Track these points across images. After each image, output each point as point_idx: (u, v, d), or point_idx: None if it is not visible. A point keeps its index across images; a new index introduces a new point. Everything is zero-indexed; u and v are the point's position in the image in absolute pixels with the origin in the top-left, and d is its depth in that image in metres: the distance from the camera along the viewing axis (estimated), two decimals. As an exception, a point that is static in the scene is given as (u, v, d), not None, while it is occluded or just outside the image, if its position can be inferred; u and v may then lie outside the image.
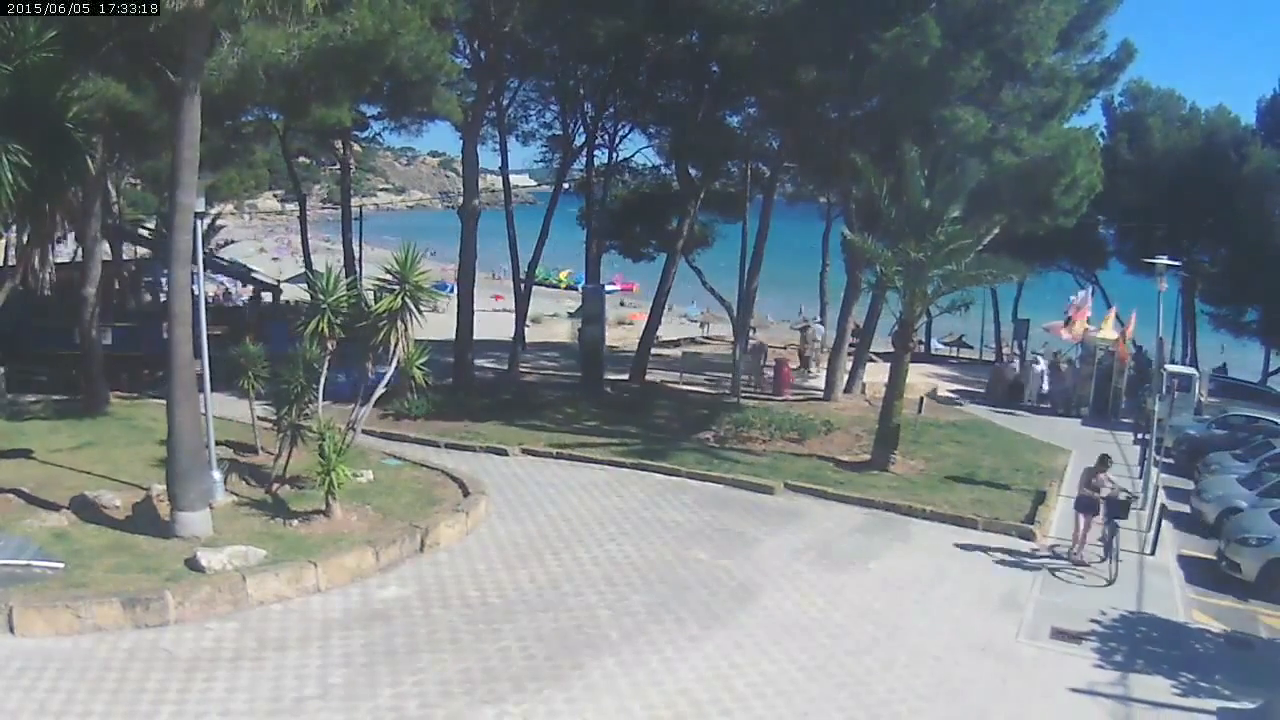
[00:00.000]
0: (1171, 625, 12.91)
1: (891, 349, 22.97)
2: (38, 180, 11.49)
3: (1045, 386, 29.30)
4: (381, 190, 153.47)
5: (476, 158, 27.76)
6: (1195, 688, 10.89)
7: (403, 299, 14.47)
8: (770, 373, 28.83)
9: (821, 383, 27.99)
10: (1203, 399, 27.64)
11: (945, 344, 44.73)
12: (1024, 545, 15.56)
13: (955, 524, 16.27)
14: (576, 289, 52.29)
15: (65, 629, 10.26)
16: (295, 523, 13.47)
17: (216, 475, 14.14)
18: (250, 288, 38.43)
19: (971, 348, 44.79)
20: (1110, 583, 13.97)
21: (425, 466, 17.19)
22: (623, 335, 39.00)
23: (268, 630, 10.70)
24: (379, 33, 18.88)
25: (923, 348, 39.91)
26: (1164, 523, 16.28)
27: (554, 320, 46.85)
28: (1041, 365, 29.98)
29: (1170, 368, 21.30)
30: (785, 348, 39.82)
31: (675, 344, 38.41)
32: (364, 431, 16.73)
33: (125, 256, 33.16)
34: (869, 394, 26.98)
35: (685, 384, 29.13)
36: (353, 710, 9.14)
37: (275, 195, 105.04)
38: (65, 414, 20.13)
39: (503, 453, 19.44)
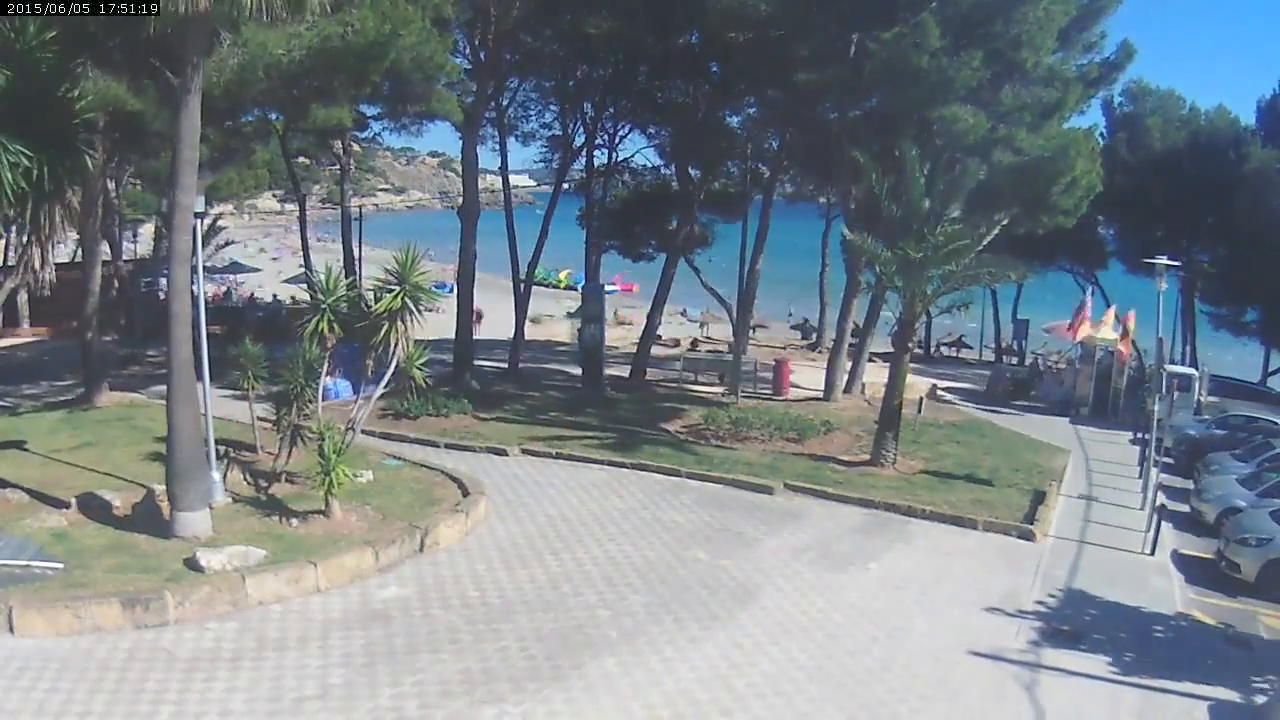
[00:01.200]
0: (1170, 625, 12.92)
1: (891, 349, 22.97)
2: (38, 180, 11.49)
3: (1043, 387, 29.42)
4: (381, 190, 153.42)
5: (476, 158, 27.80)
6: (1195, 688, 10.90)
7: (403, 299, 14.46)
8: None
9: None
10: (1202, 399, 27.66)
11: (946, 344, 44.71)
12: (1024, 545, 15.58)
13: (955, 524, 16.27)
14: (576, 289, 52.24)
15: (65, 629, 10.25)
16: (295, 523, 13.47)
17: (216, 475, 14.14)
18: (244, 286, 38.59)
19: (971, 348, 44.81)
20: None
21: (425, 466, 17.17)
22: (621, 335, 38.96)
23: (267, 630, 10.70)
24: (380, 33, 18.90)
25: (921, 349, 39.92)
26: (1163, 523, 16.29)
27: (553, 320, 46.82)
28: (1041, 366, 30.06)
29: (1170, 368, 21.30)
30: (785, 347, 39.89)
31: (675, 344, 38.44)
32: (364, 431, 16.72)
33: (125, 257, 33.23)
34: (868, 394, 27.00)
35: (684, 384, 29.14)
36: (353, 710, 9.14)
37: (274, 195, 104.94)
38: (65, 411, 20.14)
39: (502, 453, 19.44)
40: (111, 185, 27.62)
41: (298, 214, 40.79)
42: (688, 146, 28.53)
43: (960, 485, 18.40)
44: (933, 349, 43.19)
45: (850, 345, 28.19)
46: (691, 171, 29.57)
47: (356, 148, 41.43)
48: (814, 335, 42.34)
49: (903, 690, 10.26)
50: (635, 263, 36.05)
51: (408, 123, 29.14)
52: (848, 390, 27.58)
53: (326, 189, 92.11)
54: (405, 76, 21.43)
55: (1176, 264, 22.30)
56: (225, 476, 14.70)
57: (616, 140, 32.30)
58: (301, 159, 44.94)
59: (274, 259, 70.93)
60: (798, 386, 28.27)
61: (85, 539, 12.38)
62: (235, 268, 47.58)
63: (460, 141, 27.66)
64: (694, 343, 37.40)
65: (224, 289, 47.74)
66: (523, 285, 31.14)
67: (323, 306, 14.62)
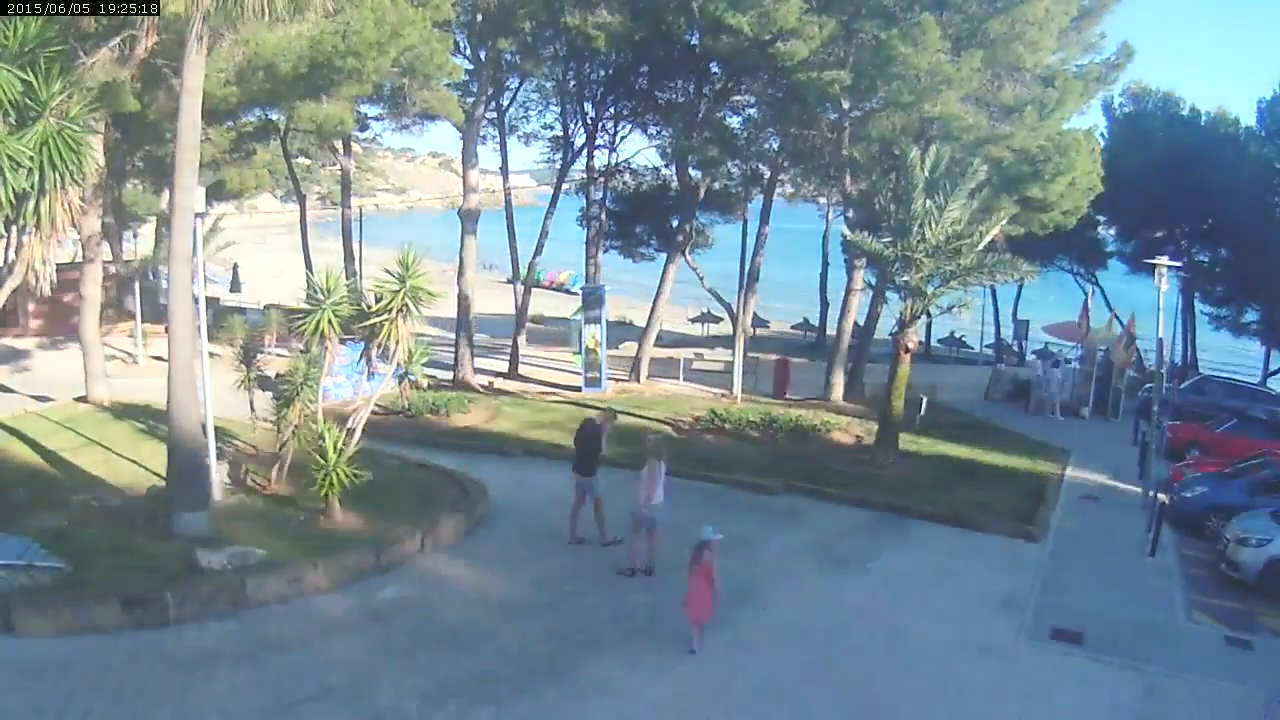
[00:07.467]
0: (1171, 625, 12.92)
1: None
2: (38, 180, 11.48)
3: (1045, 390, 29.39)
4: (381, 190, 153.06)
5: (476, 158, 27.81)
6: (1195, 687, 10.90)
7: (403, 299, 14.44)
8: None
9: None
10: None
11: (943, 341, 44.67)
12: (1024, 545, 15.56)
13: (955, 524, 16.26)
14: (574, 290, 52.12)
15: (65, 629, 10.25)
16: (295, 523, 13.46)
17: (216, 475, 14.14)
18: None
19: (971, 348, 44.79)
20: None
21: (425, 466, 17.17)
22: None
23: (267, 630, 10.69)
24: (380, 34, 18.91)
25: (923, 348, 39.88)
26: (1163, 523, 16.27)
27: (554, 321, 46.75)
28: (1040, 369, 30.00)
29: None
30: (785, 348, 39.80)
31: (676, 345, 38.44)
32: (364, 431, 16.70)
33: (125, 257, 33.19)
34: (868, 394, 26.99)
35: (685, 384, 29.17)
36: (353, 710, 9.13)
37: (275, 195, 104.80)
38: (65, 411, 20.15)
39: (502, 453, 19.42)
40: (112, 185, 27.57)
41: (299, 215, 40.68)
42: (688, 146, 28.54)
43: (960, 485, 18.39)
44: (930, 349, 43.15)
45: (851, 345, 28.21)
46: (691, 171, 29.57)
47: (357, 148, 41.35)
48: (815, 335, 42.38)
49: (903, 690, 10.26)
50: (635, 263, 36.10)
51: (408, 123, 29.17)
52: (848, 390, 27.58)
53: (326, 189, 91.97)
54: (405, 76, 21.44)
55: (1177, 265, 22.29)
56: (226, 476, 14.69)
57: (617, 140, 32.37)
58: (302, 159, 44.90)
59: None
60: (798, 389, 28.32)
61: (85, 539, 12.36)
62: (236, 270, 47.62)
63: (461, 142, 27.71)
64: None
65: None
66: (522, 285, 31.21)
67: (323, 306, 14.61)
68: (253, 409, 17.03)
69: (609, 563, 13.39)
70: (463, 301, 27.38)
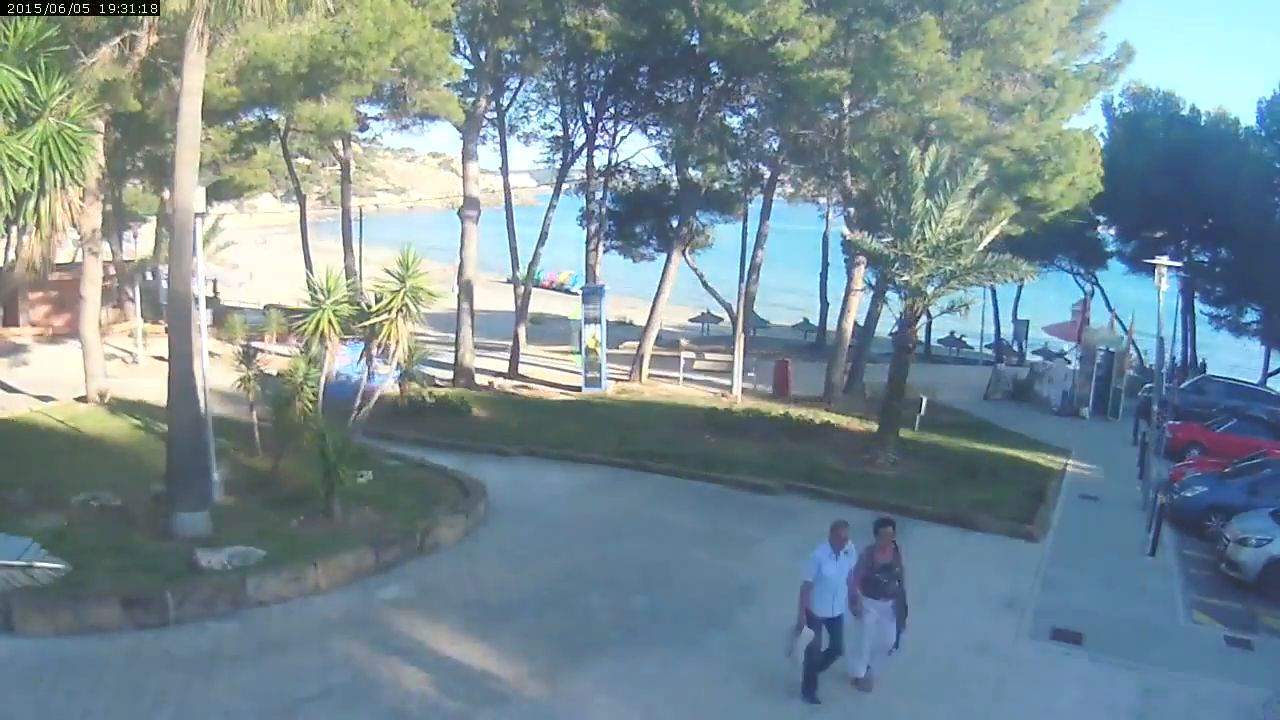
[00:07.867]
0: (1171, 626, 12.92)
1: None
2: (38, 180, 11.49)
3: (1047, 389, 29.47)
4: (381, 190, 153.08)
5: (477, 158, 27.83)
6: (1195, 687, 10.90)
7: (403, 299, 14.47)
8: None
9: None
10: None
11: (943, 341, 44.68)
12: (1024, 545, 15.56)
13: (955, 524, 16.27)
14: (574, 290, 52.14)
15: (65, 629, 10.25)
16: (295, 523, 13.46)
17: (216, 475, 14.13)
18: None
19: (971, 348, 44.80)
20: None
21: (425, 466, 17.17)
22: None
23: (268, 630, 10.69)
24: (380, 34, 18.92)
25: (923, 348, 39.90)
26: (1163, 523, 16.27)
27: (554, 320, 46.77)
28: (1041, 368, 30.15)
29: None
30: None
31: (675, 344, 38.40)
32: (364, 431, 16.72)
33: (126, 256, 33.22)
34: (868, 394, 27.00)
35: (685, 384, 29.16)
36: (353, 710, 9.13)
37: (275, 195, 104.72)
38: (65, 411, 20.14)
39: (503, 453, 19.43)
40: (112, 184, 27.56)
41: (299, 215, 40.69)
42: (688, 146, 28.57)
43: (960, 485, 18.39)
44: (930, 348, 43.17)
45: (851, 345, 28.22)
46: (691, 171, 29.58)
47: (357, 148, 41.41)
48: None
49: (903, 690, 10.26)
50: (635, 263, 36.12)
51: (408, 123, 29.19)
52: (848, 390, 27.58)
53: (326, 189, 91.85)
54: (405, 76, 21.45)
55: (1177, 265, 22.30)
56: (225, 476, 14.69)
57: (617, 140, 32.40)
58: (302, 159, 44.90)
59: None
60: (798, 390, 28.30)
61: (85, 539, 12.33)
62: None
63: (461, 141, 27.73)
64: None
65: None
66: (522, 286, 31.22)
67: (323, 306, 14.63)
68: (253, 409, 17.01)
69: (609, 562, 13.39)
70: (465, 292, 27.37)
